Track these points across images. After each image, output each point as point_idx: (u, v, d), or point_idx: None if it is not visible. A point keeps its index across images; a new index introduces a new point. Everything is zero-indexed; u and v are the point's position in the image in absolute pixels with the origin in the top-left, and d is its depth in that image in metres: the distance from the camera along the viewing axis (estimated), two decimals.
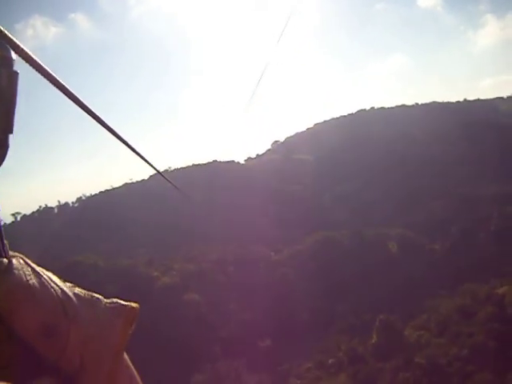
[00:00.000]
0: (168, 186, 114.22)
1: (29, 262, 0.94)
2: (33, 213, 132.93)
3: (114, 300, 1.01)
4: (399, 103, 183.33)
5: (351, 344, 50.30)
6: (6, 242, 0.95)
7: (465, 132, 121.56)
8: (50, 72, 1.00)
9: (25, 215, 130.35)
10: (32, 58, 0.96)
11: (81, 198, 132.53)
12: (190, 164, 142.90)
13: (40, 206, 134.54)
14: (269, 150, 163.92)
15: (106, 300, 1.00)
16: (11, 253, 0.94)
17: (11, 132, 0.95)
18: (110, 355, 0.95)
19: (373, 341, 48.97)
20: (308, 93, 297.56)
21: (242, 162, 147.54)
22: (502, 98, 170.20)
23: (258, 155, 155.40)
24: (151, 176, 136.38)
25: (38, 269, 0.94)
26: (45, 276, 0.93)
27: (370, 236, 72.42)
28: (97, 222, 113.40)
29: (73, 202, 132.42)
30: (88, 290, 1.04)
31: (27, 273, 0.90)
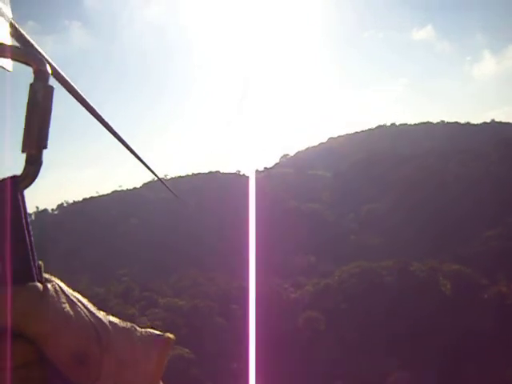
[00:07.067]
0: (162, 197, 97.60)
1: (63, 287, 0.92)
2: None
3: (149, 330, 0.98)
4: (423, 120, 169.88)
5: None
6: (41, 263, 0.92)
7: (500, 152, 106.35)
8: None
9: None
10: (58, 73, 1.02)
11: (62, 204, 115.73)
12: (190, 173, 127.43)
13: None
14: (277, 163, 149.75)
15: (140, 329, 0.97)
16: (46, 276, 0.92)
17: (46, 147, 0.92)
18: None
19: None
20: (312, 109, 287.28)
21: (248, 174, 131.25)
22: None
23: (266, 168, 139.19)
24: (144, 184, 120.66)
25: (73, 295, 0.93)
26: (79, 303, 0.92)
27: (419, 272, 55.13)
28: (76, 234, 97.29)
29: (53, 209, 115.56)
30: None
31: (62, 300, 0.89)
